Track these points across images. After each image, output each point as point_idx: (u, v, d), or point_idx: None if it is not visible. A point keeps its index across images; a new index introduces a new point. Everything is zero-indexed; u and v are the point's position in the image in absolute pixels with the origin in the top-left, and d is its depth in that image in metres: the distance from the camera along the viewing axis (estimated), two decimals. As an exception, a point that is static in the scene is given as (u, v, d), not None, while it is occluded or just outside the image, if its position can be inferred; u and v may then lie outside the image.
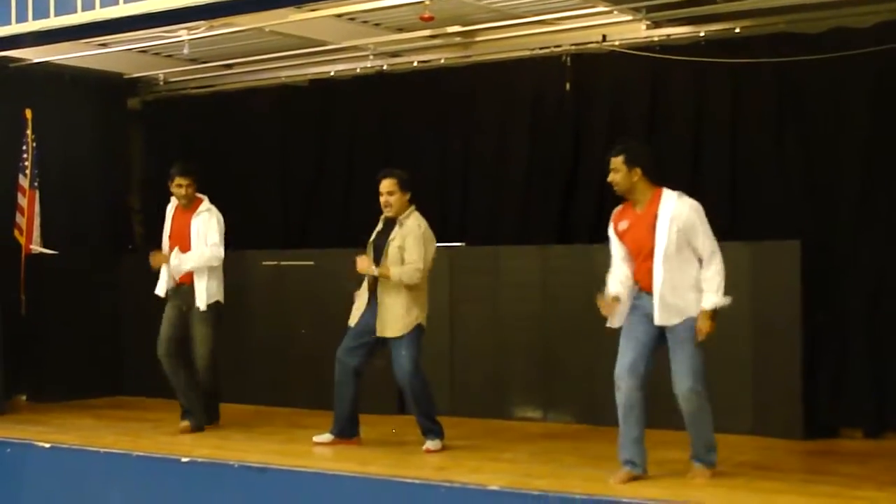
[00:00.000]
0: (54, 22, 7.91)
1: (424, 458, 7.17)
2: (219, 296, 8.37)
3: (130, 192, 11.43)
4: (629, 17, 8.56)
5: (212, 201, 8.49)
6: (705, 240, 6.17)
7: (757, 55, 8.19)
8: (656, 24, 8.61)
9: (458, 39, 9.43)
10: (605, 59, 8.95)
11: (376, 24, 9.17)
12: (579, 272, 8.43)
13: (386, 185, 7.46)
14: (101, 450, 7.36)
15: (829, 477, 6.50)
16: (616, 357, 6.32)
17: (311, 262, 9.58)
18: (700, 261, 6.21)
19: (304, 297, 9.53)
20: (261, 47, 9.93)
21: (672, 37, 8.64)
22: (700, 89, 8.58)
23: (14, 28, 8.08)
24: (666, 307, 6.17)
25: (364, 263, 7.43)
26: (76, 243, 10.57)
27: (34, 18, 7.97)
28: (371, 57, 9.91)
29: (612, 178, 6.32)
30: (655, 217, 6.19)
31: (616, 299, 6.32)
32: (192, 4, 7.35)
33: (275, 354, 9.72)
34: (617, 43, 8.81)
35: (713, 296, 6.13)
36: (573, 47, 9.08)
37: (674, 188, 6.33)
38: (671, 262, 6.14)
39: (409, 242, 7.37)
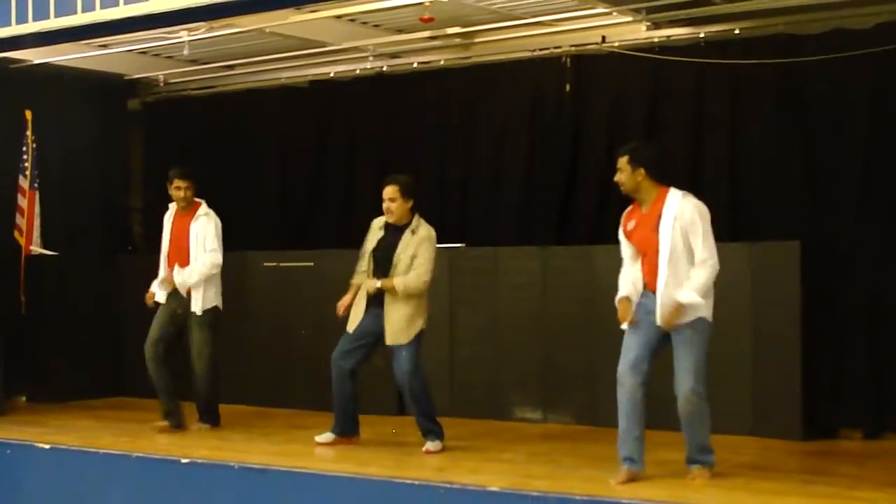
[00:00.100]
0: (54, 23, 7.92)
1: (424, 459, 7.17)
2: (216, 301, 8.39)
3: (130, 193, 11.43)
4: (629, 19, 8.57)
5: (212, 202, 8.51)
6: (703, 244, 6.15)
7: (757, 56, 8.19)
8: (656, 26, 8.61)
9: (457, 41, 9.44)
10: (604, 61, 8.96)
11: (376, 26, 9.17)
12: (579, 273, 8.45)
13: (388, 191, 7.46)
14: (101, 451, 7.35)
15: (828, 478, 6.51)
16: (616, 357, 6.32)
17: (311, 263, 9.58)
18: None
19: (304, 298, 9.52)
20: (261, 48, 9.93)
21: (672, 38, 8.64)
22: (700, 90, 8.58)
23: (14, 29, 8.09)
24: (668, 307, 6.17)
25: (369, 285, 7.42)
26: (76, 244, 10.57)
27: (34, 19, 7.98)
28: (371, 58, 9.91)
29: (617, 177, 6.37)
30: (659, 216, 6.21)
31: (627, 300, 6.34)
32: (193, 5, 7.35)
33: (275, 355, 9.72)
34: (617, 44, 8.81)
35: (691, 292, 6.12)
36: (573, 48, 9.09)
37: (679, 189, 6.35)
38: (676, 261, 6.15)
39: (422, 251, 7.39)
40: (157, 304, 8.47)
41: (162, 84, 11.16)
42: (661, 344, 6.28)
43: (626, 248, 6.43)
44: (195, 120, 11.13)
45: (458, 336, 9.00)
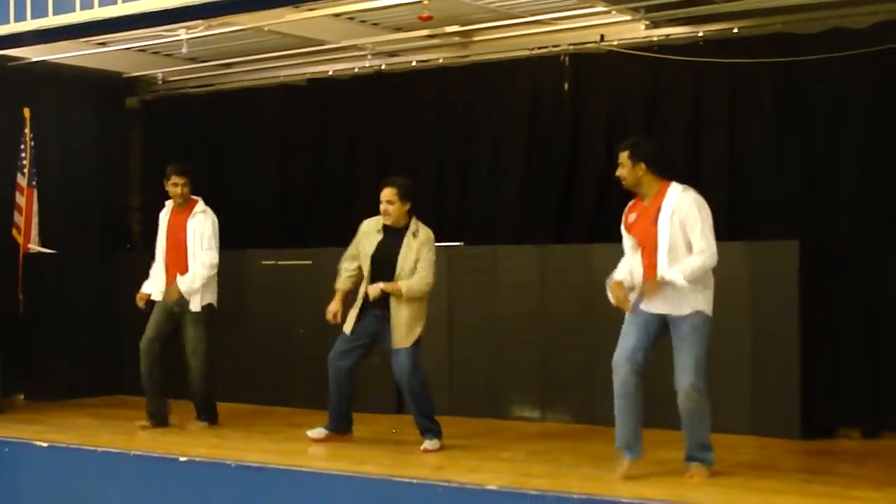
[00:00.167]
0: (53, 21, 7.90)
1: (422, 458, 7.17)
2: (212, 298, 8.38)
3: (129, 192, 11.42)
4: (627, 17, 8.57)
5: (211, 200, 8.51)
6: (701, 235, 6.17)
7: (755, 55, 8.19)
8: (655, 24, 8.61)
9: (456, 39, 9.43)
10: (603, 59, 8.96)
11: (375, 24, 9.17)
12: (578, 272, 8.44)
13: (386, 193, 7.45)
14: (99, 449, 7.35)
15: (826, 477, 6.51)
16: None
17: (310, 262, 9.57)
18: None
19: (302, 297, 9.51)
20: (259, 46, 9.93)
21: (670, 37, 8.64)
22: (698, 89, 8.58)
23: (12, 27, 8.07)
24: (665, 297, 6.18)
25: (372, 290, 7.40)
26: (74, 242, 10.56)
27: (33, 17, 7.96)
28: (369, 56, 9.90)
29: (619, 172, 6.43)
30: (659, 210, 6.26)
31: (620, 284, 6.35)
32: (191, 3, 7.33)
33: (273, 354, 9.71)
34: (615, 43, 8.81)
35: (676, 272, 6.11)
36: (571, 47, 9.08)
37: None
38: (674, 254, 6.17)
39: (424, 254, 7.40)
40: (149, 303, 8.46)
41: (160, 82, 11.15)
42: (660, 335, 6.29)
43: (626, 241, 6.49)
44: (194, 118, 11.13)
45: (457, 335, 9.00)
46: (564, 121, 9.16)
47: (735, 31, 8.33)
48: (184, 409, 8.56)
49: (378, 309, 7.44)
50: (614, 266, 6.50)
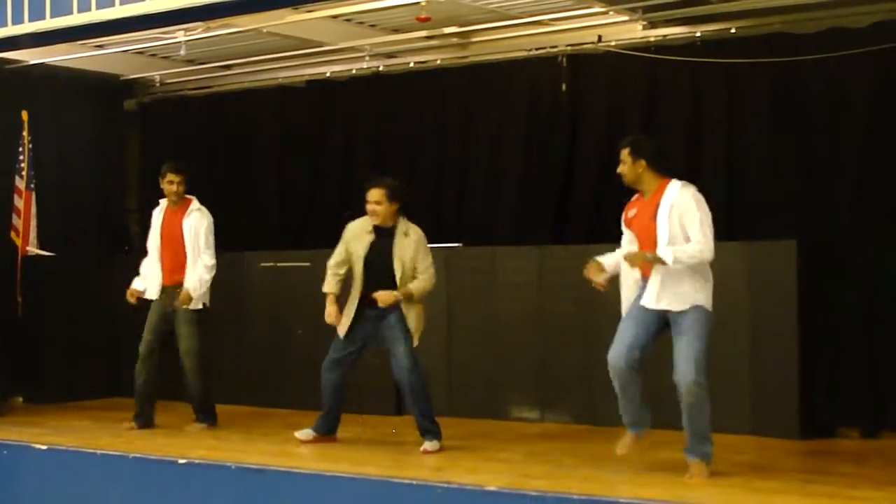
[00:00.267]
0: (50, 23, 7.91)
1: (421, 459, 7.16)
2: (205, 298, 8.39)
3: (127, 194, 11.42)
4: (625, 18, 8.57)
5: (209, 201, 8.52)
6: (699, 229, 6.17)
7: (753, 55, 8.19)
8: (652, 25, 8.61)
9: (454, 40, 9.43)
10: (601, 60, 8.96)
11: (373, 25, 9.17)
12: (576, 272, 8.31)
13: (373, 194, 7.44)
14: (98, 451, 7.34)
15: (826, 477, 6.50)
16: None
17: (308, 263, 9.53)
18: None
19: (301, 298, 9.49)
20: (258, 48, 9.92)
21: (668, 37, 8.64)
22: (696, 90, 8.58)
23: (10, 29, 8.08)
24: (664, 290, 6.20)
25: (386, 297, 7.37)
26: (72, 245, 10.55)
27: (30, 20, 7.97)
28: (367, 58, 9.90)
29: (620, 168, 6.48)
30: (658, 206, 6.29)
31: (599, 263, 6.42)
32: (189, 5, 7.35)
33: (272, 355, 9.71)
34: (613, 43, 8.81)
35: (670, 253, 6.12)
36: (569, 48, 9.09)
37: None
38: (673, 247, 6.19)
39: (420, 250, 7.43)
40: (139, 300, 8.45)
41: (158, 84, 11.15)
42: (659, 331, 6.30)
43: (625, 235, 6.55)
44: (192, 120, 11.12)
45: (456, 335, 9.00)
46: (562, 121, 9.16)
47: (732, 31, 8.33)
48: (182, 411, 8.56)
49: (372, 310, 7.44)
50: (613, 266, 6.53)
